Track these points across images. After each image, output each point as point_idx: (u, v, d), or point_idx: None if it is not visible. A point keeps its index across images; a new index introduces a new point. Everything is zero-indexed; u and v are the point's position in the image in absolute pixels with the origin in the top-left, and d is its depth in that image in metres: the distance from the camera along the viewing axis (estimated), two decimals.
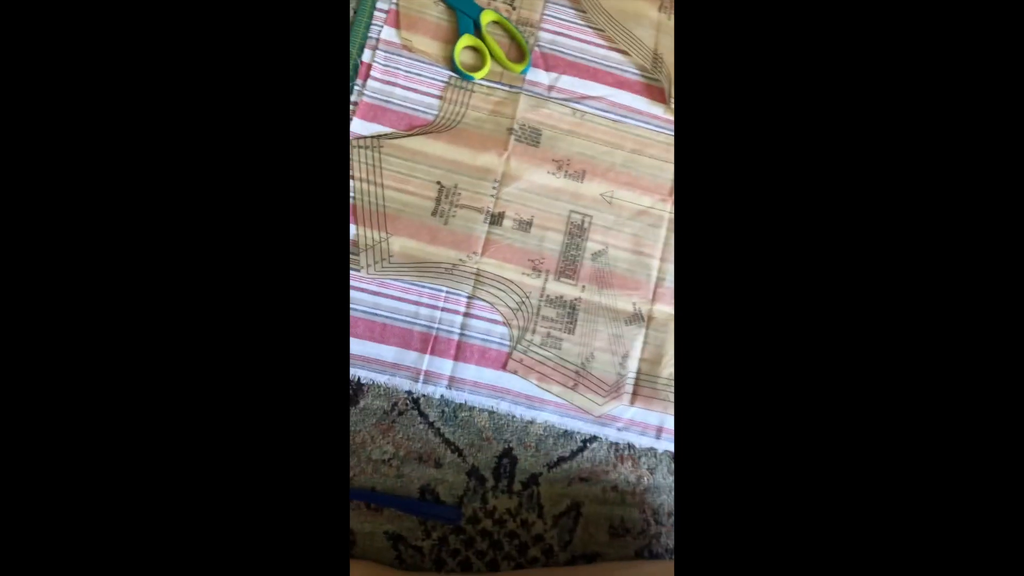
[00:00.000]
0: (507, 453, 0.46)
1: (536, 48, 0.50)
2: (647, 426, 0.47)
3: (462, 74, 0.49)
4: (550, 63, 0.50)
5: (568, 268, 0.48)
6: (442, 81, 0.49)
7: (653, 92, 0.50)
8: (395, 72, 0.49)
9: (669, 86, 0.50)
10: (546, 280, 0.47)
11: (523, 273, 0.47)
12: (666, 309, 0.48)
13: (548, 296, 0.47)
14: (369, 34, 0.49)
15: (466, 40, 0.49)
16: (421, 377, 0.46)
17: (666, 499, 0.47)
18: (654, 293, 0.48)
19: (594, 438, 0.46)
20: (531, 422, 0.46)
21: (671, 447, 0.47)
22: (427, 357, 0.46)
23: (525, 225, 0.48)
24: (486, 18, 0.49)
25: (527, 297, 0.47)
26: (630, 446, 0.47)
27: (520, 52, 0.50)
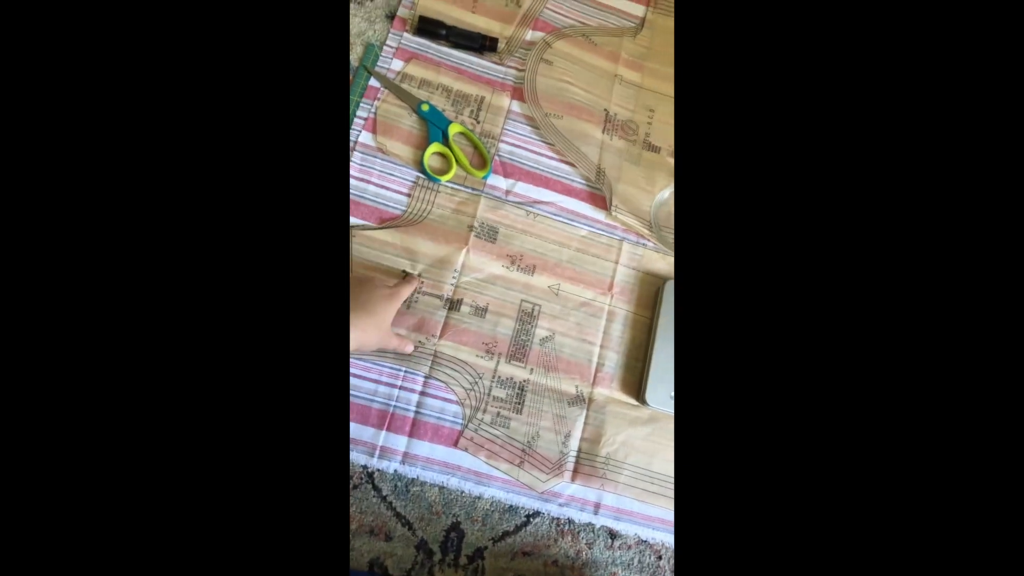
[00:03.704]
0: (455, 527, 0.48)
1: (496, 157, 0.57)
2: (586, 502, 0.50)
3: (430, 176, 0.55)
4: (508, 170, 0.57)
5: (518, 352, 0.53)
6: (411, 181, 0.55)
7: (596, 200, 0.58)
8: (369, 171, 0.55)
9: (610, 195, 0.58)
10: (498, 362, 0.52)
11: (477, 355, 0.52)
12: (604, 392, 0.53)
13: (499, 377, 0.52)
14: (349, 138, 0.55)
15: (435, 147, 0.56)
16: (377, 452, 0.48)
17: (602, 574, 0.50)
18: (594, 377, 0.53)
19: (537, 513, 0.50)
20: (479, 497, 0.49)
21: (608, 522, 0.50)
22: (383, 433, 0.49)
23: (481, 311, 0.53)
24: (453, 129, 0.57)
25: (480, 378, 0.51)
26: (570, 521, 0.50)
27: (482, 160, 0.57)
